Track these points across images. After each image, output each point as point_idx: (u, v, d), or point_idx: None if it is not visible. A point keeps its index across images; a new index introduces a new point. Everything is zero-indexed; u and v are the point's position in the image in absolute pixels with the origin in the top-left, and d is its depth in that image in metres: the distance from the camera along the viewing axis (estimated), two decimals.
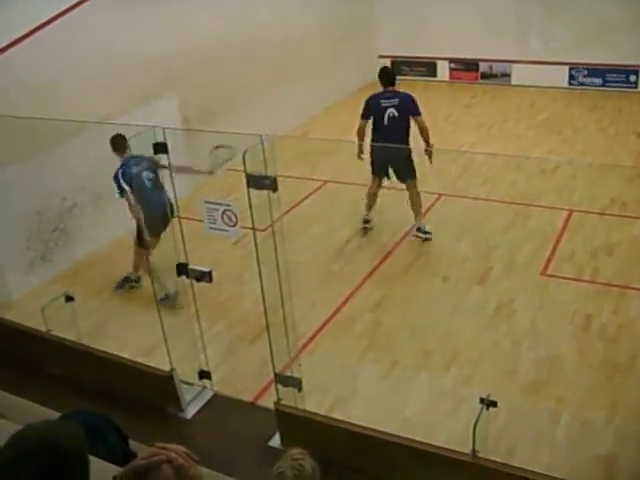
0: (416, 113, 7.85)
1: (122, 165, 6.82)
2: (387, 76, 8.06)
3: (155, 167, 6.49)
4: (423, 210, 8.29)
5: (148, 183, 6.79)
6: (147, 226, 6.17)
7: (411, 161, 7.93)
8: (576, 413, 5.26)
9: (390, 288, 7.18)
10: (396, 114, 7.79)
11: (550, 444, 4.98)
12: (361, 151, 7.97)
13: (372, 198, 8.32)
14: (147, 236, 6.19)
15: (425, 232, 8.09)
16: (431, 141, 7.81)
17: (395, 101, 7.84)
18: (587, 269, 7.27)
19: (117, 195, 6.77)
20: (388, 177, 8.10)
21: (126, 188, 6.66)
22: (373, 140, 7.90)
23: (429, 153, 7.63)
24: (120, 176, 6.73)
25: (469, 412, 4.76)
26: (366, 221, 8.40)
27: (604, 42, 13.06)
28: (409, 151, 7.92)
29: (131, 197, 6.59)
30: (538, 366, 5.83)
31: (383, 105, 7.83)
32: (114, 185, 6.75)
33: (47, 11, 7.49)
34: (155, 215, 6.29)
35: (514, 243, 7.85)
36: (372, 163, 8.03)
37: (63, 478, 1.94)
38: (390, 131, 7.77)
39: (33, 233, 7.65)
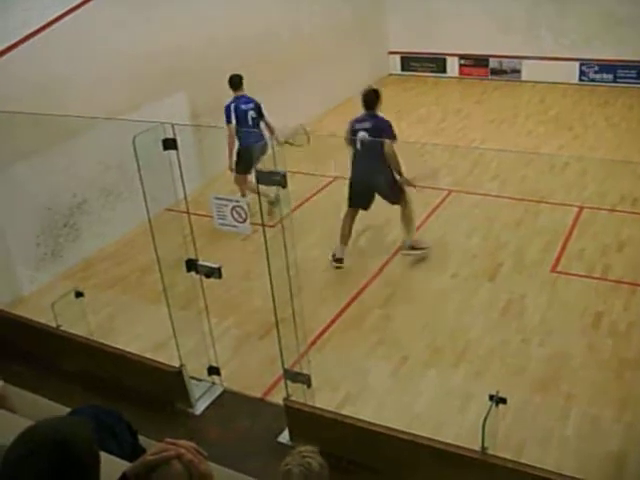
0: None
1: (234, 100, 8.48)
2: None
3: (259, 110, 8.52)
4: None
5: (251, 121, 8.47)
6: (241, 156, 8.27)
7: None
8: (586, 410, 5.24)
9: (399, 284, 7.18)
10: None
11: (560, 441, 4.96)
12: None
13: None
14: (232, 165, 8.48)
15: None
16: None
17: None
18: (597, 266, 7.24)
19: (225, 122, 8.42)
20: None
21: (232, 120, 8.39)
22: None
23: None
24: (232, 109, 8.41)
25: (478, 409, 4.76)
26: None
27: (615, 38, 13.02)
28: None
29: (232, 127, 8.36)
30: (548, 363, 5.81)
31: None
32: (224, 115, 8.42)
33: (56, 9, 7.50)
34: (249, 148, 8.06)
35: (524, 240, 7.83)
36: None
37: (72, 475, 1.94)
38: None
39: (43, 229, 7.68)
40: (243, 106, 8.47)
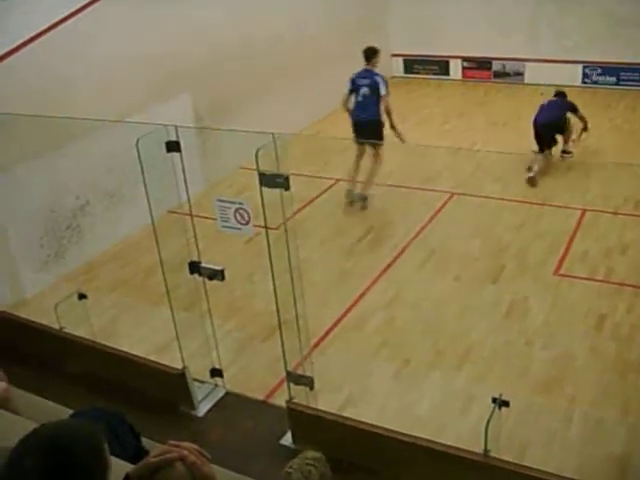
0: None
1: (358, 72, 9.05)
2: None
3: (375, 88, 8.83)
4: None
5: (361, 97, 8.93)
6: (353, 129, 9.04)
7: None
8: (589, 412, 5.24)
9: (402, 286, 7.17)
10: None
11: (563, 443, 4.96)
12: None
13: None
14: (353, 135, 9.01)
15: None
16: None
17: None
18: (600, 268, 7.24)
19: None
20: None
21: (346, 89, 9.04)
22: None
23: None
24: (350, 81, 9.03)
25: (481, 411, 4.75)
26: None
27: (618, 40, 13.00)
28: None
29: (346, 97, 9.05)
30: (551, 365, 5.81)
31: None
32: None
33: (59, 11, 7.52)
34: (357, 122, 8.97)
35: (527, 242, 7.83)
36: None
37: (71, 478, 1.93)
38: None
39: (47, 231, 7.69)
40: (359, 80, 8.98)
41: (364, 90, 8.89)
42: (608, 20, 12.98)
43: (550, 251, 7.61)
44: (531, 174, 9.40)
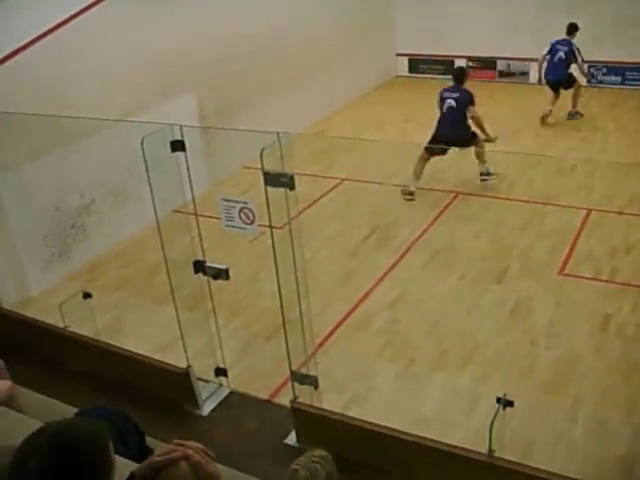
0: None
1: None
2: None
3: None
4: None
5: (557, 59, 11.59)
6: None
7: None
8: (594, 413, 5.23)
9: (407, 286, 7.17)
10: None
11: (567, 444, 4.95)
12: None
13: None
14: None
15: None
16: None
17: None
18: (605, 268, 7.22)
19: None
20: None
21: (545, 50, 11.69)
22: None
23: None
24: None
25: (486, 411, 4.75)
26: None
27: (623, 40, 12.98)
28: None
29: (543, 55, 11.72)
30: (555, 365, 5.80)
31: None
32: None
33: (65, 10, 7.52)
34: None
35: (531, 242, 7.82)
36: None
37: (76, 477, 1.93)
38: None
39: (52, 229, 7.70)
40: (557, 46, 11.64)
41: (560, 54, 11.51)
42: (614, 20, 12.96)
43: (555, 251, 7.60)
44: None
